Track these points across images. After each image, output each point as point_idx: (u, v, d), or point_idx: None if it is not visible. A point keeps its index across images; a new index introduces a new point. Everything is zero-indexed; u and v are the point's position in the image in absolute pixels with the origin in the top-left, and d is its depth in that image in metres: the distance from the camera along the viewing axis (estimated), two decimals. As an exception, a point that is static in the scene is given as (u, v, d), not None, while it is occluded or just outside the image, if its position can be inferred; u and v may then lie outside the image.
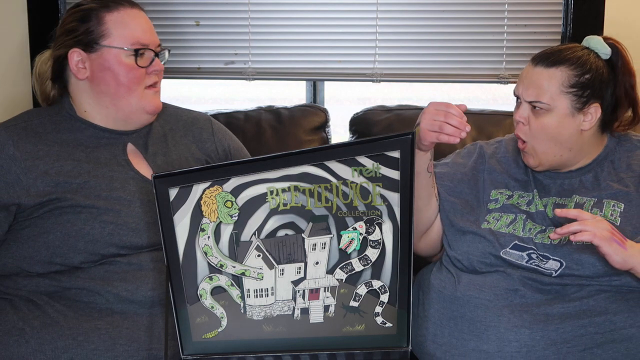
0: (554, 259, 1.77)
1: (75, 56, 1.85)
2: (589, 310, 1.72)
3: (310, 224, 1.66)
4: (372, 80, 2.59)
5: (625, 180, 1.84)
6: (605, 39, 1.85)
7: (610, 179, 1.85)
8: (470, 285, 1.79)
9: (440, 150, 2.11)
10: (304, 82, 2.74)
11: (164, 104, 2.03)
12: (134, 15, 1.86)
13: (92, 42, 1.84)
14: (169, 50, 1.95)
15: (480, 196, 1.92)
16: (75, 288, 1.75)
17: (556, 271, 1.76)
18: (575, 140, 1.83)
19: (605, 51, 1.84)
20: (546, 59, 1.81)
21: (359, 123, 2.48)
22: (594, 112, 1.81)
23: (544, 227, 1.82)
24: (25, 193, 1.77)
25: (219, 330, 1.69)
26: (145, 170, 1.87)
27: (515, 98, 1.88)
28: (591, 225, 1.64)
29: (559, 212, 1.70)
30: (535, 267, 1.77)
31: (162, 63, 1.92)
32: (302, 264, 1.67)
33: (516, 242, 1.81)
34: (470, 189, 1.93)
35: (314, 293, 1.68)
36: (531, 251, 1.79)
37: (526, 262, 1.79)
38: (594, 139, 1.86)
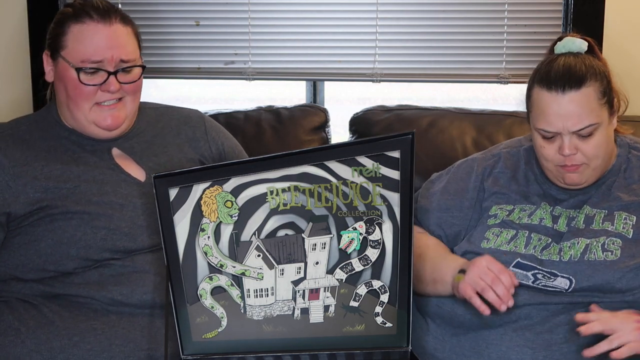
0: (562, 277, 1.73)
1: (46, 58, 1.85)
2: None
3: (310, 224, 1.66)
4: (372, 80, 2.59)
5: (637, 191, 1.80)
6: (574, 36, 1.82)
7: (621, 191, 1.80)
8: (470, 306, 1.74)
9: (437, 162, 2.10)
10: (304, 82, 2.74)
11: (152, 105, 2.00)
12: (95, 31, 1.79)
13: (55, 50, 1.82)
14: (144, 67, 1.86)
15: (483, 215, 1.87)
16: (69, 294, 1.75)
17: (567, 290, 1.72)
18: (612, 142, 1.81)
19: (585, 47, 1.80)
20: (569, 80, 1.73)
21: (358, 123, 2.48)
22: (617, 107, 1.80)
23: (549, 241, 1.78)
24: (15, 200, 1.75)
25: (219, 330, 1.69)
26: (136, 171, 1.85)
27: (543, 135, 1.77)
28: (618, 338, 1.58)
29: (580, 317, 1.64)
30: (543, 287, 1.73)
31: (136, 80, 1.83)
32: (302, 264, 1.67)
33: (519, 260, 1.76)
34: (476, 213, 1.88)
35: (314, 293, 1.68)
36: (536, 271, 1.75)
37: (532, 282, 1.74)
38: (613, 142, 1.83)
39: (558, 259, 1.74)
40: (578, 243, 1.75)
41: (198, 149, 1.96)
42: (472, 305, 1.69)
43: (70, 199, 1.76)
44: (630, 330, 1.59)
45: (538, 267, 1.75)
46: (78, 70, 1.78)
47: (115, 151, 1.87)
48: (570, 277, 1.72)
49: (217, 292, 1.68)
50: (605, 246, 1.73)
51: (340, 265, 1.67)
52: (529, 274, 1.75)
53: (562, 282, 1.72)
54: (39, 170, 1.78)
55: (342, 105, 2.96)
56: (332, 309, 1.69)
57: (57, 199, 1.75)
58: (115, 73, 1.79)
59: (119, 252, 1.76)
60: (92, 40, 1.79)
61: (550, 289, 1.73)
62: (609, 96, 1.77)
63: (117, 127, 1.84)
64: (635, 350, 1.59)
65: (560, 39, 1.84)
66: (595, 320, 1.62)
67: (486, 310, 1.66)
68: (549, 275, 1.74)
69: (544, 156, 1.79)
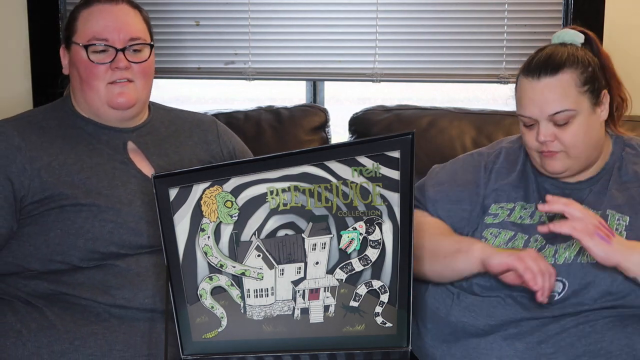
0: (556, 279, 1.70)
1: (62, 52, 1.90)
2: (584, 338, 1.68)
3: (310, 224, 1.66)
4: (372, 80, 2.59)
5: (631, 190, 1.78)
6: (574, 28, 1.82)
7: (616, 188, 1.79)
8: (466, 311, 1.75)
9: (437, 162, 2.10)
10: (304, 82, 2.75)
11: (165, 107, 2.04)
12: (102, 11, 1.84)
13: (68, 39, 1.87)
14: (152, 45, 1.88)
15: (484, 213, 1.86)
16: (72, 294, 1.75)
17: (559, 293, 1.71)
18: (600, 135, 1.79)
19: (579, 39, 1.80)
20: (546, 67, 1.73)
21: (358, 123, 2.48)
22: (605, 99, 1.78)
23: (543, 242, 1.76)
24: (30, 184, 1.76)
25: (219, 330, 1.69)
26: (146, 169, 1.86)
27: (523, 121, 1.78)
28: (577, 222, 1.61)
29: (541, 207, 1.65)
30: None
31: (145, 59, 1.85)
32: (302, 264, 1.67)
33: None
34: (482, 208, 1.86)
35: (314, 293, 1.68)
36: None
37: None
38: (603, 135, 1.81)
39: (553, 262, 1.73)
40: (573, 245, 1.74)
41: (210, 151, 1.99)
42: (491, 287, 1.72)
43: (81, 189, 1.77)
44: (585, 222, 1.61)
45: None
46: (86, 47, 1.81)
47: (130, 145, 1.88)
48: (564, 279, 1.71)
49: (217, 292, 1.68)
50: None
51: (340, 265, 1.67)
52: None
53: (555, 285, 1.71)
54: (53, 157, 1.79)
55: (342, 105, 2.97)
56: (332, 309, 1.69)
57: (68, 187, 1.77)
58: (123, 50, 1.82)
59: (125, 246, 1.76)
60: (98, 20, 1.83)
61: None
62: (593, 86, 1.75)
63: (129, 107, 1.85)
64: (575, 235, 1.61)
65: None
66: (560, 210, 1.64)
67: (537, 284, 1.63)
68: None
69: (525, 143, 1.80)
